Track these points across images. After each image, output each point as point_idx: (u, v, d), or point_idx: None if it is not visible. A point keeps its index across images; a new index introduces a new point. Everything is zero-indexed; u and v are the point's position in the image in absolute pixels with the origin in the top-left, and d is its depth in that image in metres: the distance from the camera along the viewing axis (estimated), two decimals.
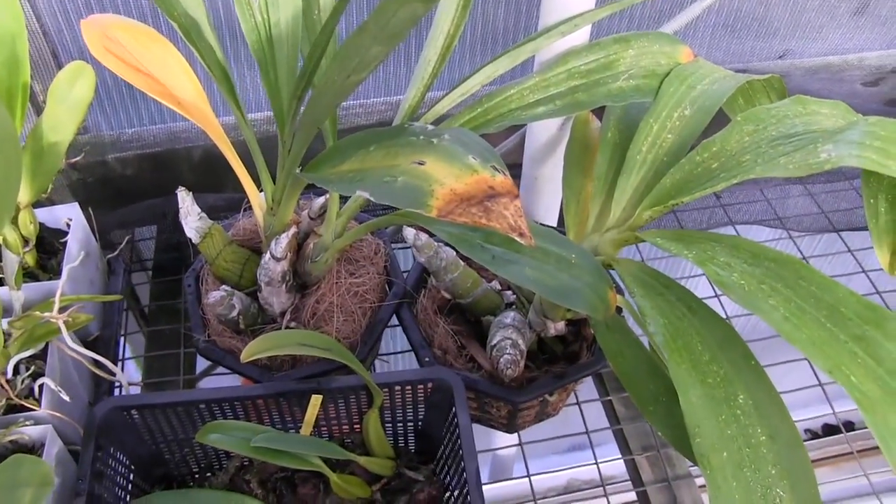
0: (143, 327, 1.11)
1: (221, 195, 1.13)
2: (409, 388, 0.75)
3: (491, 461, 1.15)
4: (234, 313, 0.80)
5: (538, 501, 0.90)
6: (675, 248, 0.59)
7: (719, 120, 0.69)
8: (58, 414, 0.77)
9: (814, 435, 1.17)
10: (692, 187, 0.62)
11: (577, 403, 0.96)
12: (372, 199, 0.46)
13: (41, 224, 0.94)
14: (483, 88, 0.76)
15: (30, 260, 0.92)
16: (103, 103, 1.09)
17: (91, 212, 1.02)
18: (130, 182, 1.12)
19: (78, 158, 1.03)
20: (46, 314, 0.77)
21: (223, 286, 0.82)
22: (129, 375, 1.05)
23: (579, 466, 0.98)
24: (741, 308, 0.53)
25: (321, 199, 0.82)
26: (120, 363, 1.03)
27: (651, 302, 0.59)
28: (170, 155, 1.10)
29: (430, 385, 0.75)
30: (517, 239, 0.45)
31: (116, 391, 0.99)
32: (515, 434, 0.93)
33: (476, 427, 0.92)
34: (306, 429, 0.77)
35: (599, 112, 0.78)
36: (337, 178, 0.55)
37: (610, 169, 0.72)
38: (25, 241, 0.90)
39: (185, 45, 0.71)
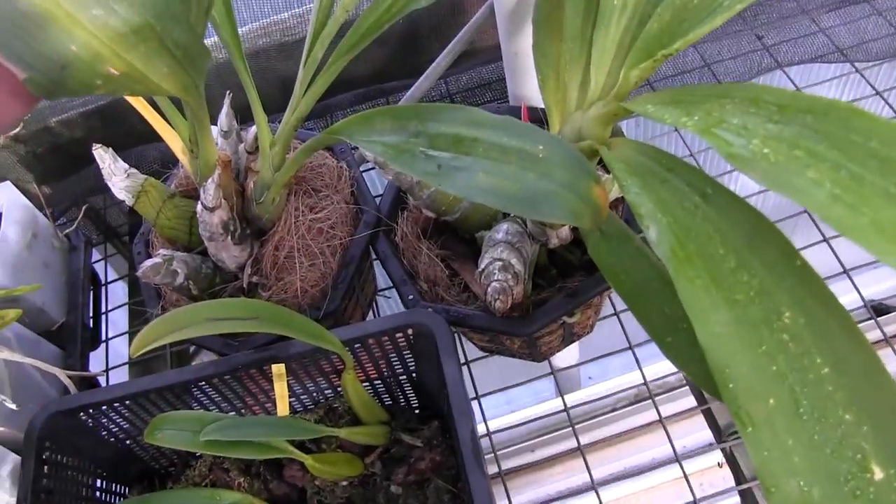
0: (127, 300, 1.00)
1: None
2: (385, 338, 0.61)
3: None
4: (181, 279, 0.67)
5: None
6: (671, 116, 0.42)
7: None
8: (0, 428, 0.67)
9: None
10: (687, 28, 0.45)
11: (616, 314, 0.81)
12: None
13: None
14: None
15: None
16: None
17: (46, 187, 0.91)
18: (82, 145, 0.99)
19: (18, 130, 0.91)
20: None
21: (161, 250, 0.69)
22: (120, 355, 0.94)
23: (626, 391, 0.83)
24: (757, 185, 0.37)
25: (254, 129, 0.67)
26: (104, 344, 0.92)
27: (650, 195, 0.43)
28: (116, 106, 0.96)
29: (409, 331, 0.61)
30: None
31: (101, 382, 0.89)
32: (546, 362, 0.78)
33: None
34: (281, 404, 0.64)
35: None
36: None
37: (586, 24, 0.54)
38: None
39: None
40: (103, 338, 0.93)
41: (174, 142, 0.68)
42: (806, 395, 0.35)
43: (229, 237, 0.66)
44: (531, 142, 0.46)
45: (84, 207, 0.94)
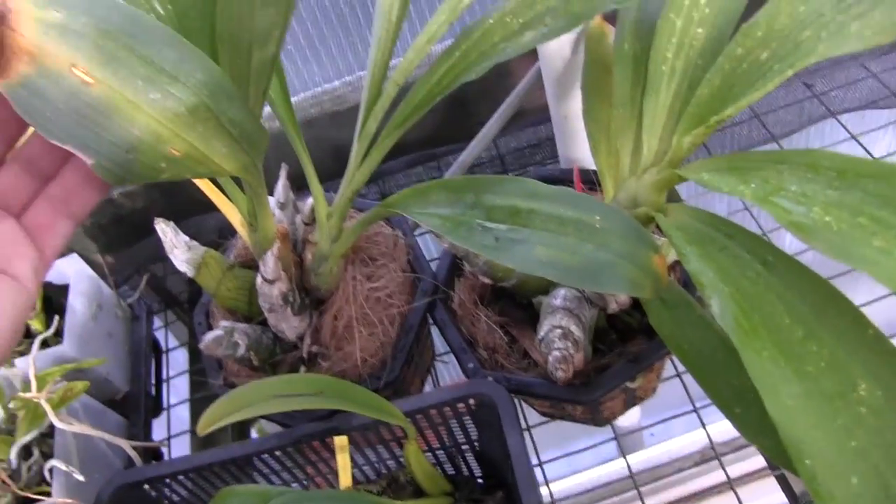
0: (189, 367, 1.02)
1: None
2: (447, 409, 0.61)
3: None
4: (242, 351, 0.68)
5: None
6: (727, 185, 0.42)
7: None
8: (69, 501, 0.68)
9: None
10: (738, 92, 0.45)
11: (678, 374, 0.80)
12: None
13: (46, 283, 0.85)
14: (452, 30, 0.61)
15: (38, 325, 0.83)
16: None
17: (109, 257, 0.93)
18: (144, 215, 1.02)
19: None
20: (28, 394, 0.67)
21: (223, 321, 0.70)
22: (181, 421, 0.95)
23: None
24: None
25: (311, 201, 0.68)
26: (165, 411, 0.94)
27: (710, 264, 0.42)
28: None
29: (471, 402, 0.61)
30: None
31: (164, 452, 0.90)
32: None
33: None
34: (343, 476, 0.64)
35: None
36: None
37: (635, 90, 0.54)
38: None
39: None
40: (165, 405, 0.94)
41: (233, 215, 0.69)
42: (892, 473, 0.33)
43: (289, 308, 0.67)
44: (588, 212, 0.46)
45: (146, 276, 0.96)
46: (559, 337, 0.59)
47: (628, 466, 0.76)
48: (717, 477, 0.83)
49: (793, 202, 0.39)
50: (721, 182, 0.44)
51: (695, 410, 0.77)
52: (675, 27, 0.51)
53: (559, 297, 0.63)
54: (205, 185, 0.71)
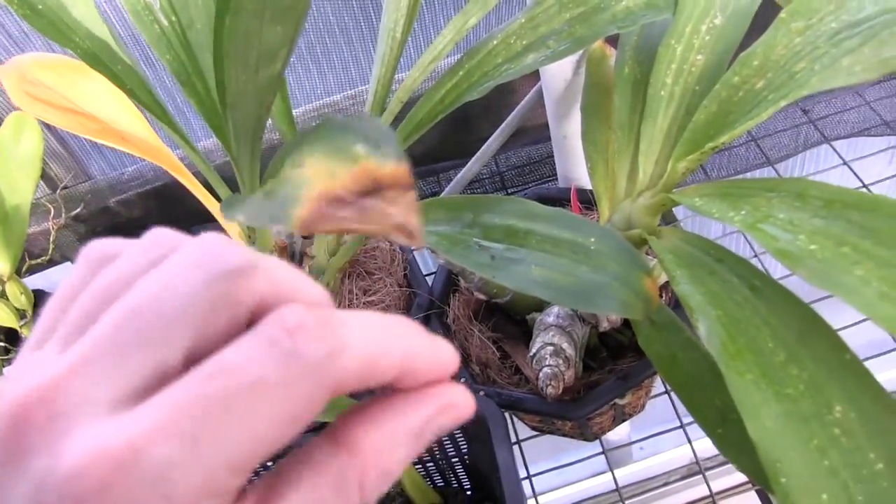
0: None
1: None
2: None
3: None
4: None
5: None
6: (718, 211, 0.43)
7: (760, 25, 0.53)
8: None
9: None
10: (733, 120, 0.46)
11: (667, 392, 0.81)
12: (248, 223, 0.33)
13: (39, 291, 0.86)
14: (457, 49, 0.62)
15: (28, 334, 0.84)
16: (97, 144, 1.00)
17: None
18: (140, 224, 1.03)
19: (79, 210, 0.95)
20: None
21: None
22: None
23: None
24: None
25: None
26: None
27: (699, 287, 0.43)
28: (174, 187, 1.00)
29: None
30: (403, 240, 0.31)
31: None
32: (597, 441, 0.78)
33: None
34: None
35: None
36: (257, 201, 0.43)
37: (633, 114, 0.56)
38: (22, 314, 0.82)
39: None
40: None
41: (231, 226, 0.71)
42: (860, 490, 0.35)
43: None
44: (583, 234, 0.47)
45: None
46: (550, 354, 0.60)
47: (615, 480, 0.77)
48: (700, 491, 0.84)
49: (780, 229, 0.40)
50: (712, 208, 0.45)
51: (682, 427, 0.78)
52: (676, 53, 0.52)
53: (552, 315, 0.64)
54: (202, 196, 0.72)
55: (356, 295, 0.71)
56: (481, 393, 0.63)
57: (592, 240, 0.47)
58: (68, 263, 0.87)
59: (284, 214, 0.31)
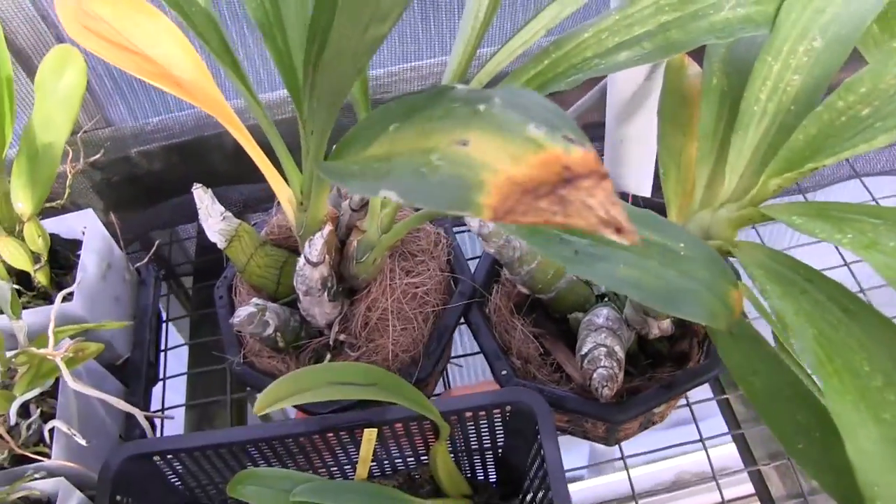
0: (187, 340, 0.99)
1: (260, 185, 0.99)
2: (482, 413, 0.61)
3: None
4: (270, 331, 0.67)
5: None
6: (823, 231, 0.42)
7: (858, 55, 0.53)
8: (69, 464, 0.66)
9: None
10: (835, 143, 0.46)
11: (688, 405, 0.80)
12: (402, 201, 0.31)
13: (54, 236, 0.83)
14: (548, 37, 0.60)
15: (42, 279, 0.80)
16: (122, 91, 0.96)
17: (115, 217, 0.90)
18: (159, 178, 1.00)
19: (98, 156, 0.91)
20: (42, 350, 0.64)
21: (255, 298, 0.68)
22: (177, 394, 0.93)
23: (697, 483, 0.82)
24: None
25: None
26: (161, 382, 0.92)
27: (792, 304, 0.43)
28: (199, 144, 0.97)
29: (507, 409, 0.60)
30: (614, 238, 0.29)
31: (158, 424, 0.87)
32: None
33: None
34: (362, 468, 0.63)
35: (694, 55, 0.61)
36: (359, 170, 0.41)
37: (719, 124, 0.55)
38: (36, 258, 0.79)
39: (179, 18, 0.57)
40: (161, 375, 0.92)
41: (282, 191, 0.68)
42: None
43: (326, 293, 0.66)
44: (672, 239, 0.47)
45: (157, 242, 0.94)
46: (605, 355, 0.59)
47: (630, 483, 0.76)
48: (712, 498, 0.84)
49: (891, 258, 0.40)
50: (815, 227, 0.44)
51: (701, 441, 0.78)
52: (772, 70, 0.51)
53: (602, 317, 0.63)
54: (255, 154, 0.69)
55: (398, 275, 0.69)
56: (524, 386, 0.62)
57: (681, 245, 0.47)
58: (90, 210, 0.83)
59: (466, 200, 0.29)
